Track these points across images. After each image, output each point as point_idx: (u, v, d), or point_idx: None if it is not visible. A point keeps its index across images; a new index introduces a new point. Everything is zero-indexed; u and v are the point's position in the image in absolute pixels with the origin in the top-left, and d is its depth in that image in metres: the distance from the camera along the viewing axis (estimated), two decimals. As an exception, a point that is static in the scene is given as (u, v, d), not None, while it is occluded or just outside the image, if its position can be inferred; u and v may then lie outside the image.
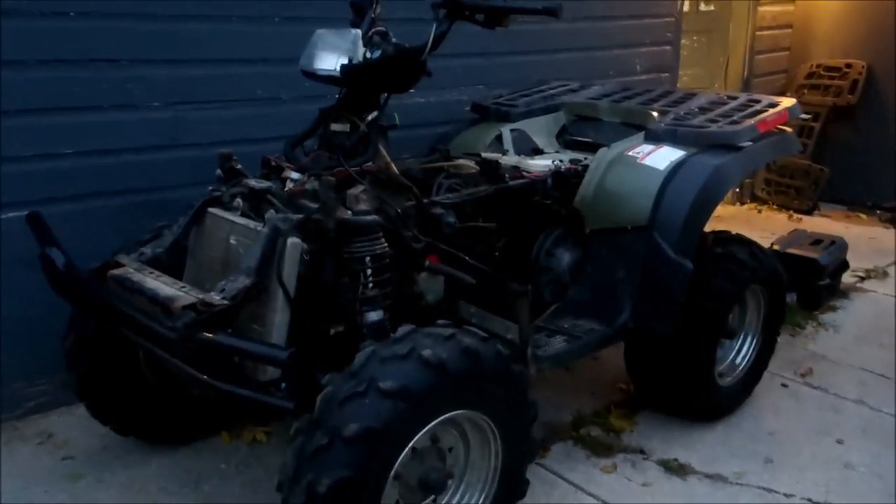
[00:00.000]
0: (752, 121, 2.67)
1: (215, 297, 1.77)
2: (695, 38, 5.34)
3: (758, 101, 2.90)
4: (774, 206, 5.68)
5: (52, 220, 2.01)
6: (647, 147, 2.59)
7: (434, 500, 1.93)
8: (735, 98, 2.99)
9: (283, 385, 1.86)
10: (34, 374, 2.69)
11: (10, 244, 2.55)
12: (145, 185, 2.84)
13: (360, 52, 2.09)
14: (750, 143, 2.60)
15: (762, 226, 5.07)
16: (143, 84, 2.77)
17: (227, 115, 2.99)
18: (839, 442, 2.68)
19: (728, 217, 5.21)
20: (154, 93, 2.81)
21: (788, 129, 2.88)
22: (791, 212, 5.54)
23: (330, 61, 2.11)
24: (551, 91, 3.38)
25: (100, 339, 2.23)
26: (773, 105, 2.85)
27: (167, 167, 2.87)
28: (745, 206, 5.75)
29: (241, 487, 2.36)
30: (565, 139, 3.11)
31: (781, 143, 2.82)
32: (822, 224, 5.17)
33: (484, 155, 2.72)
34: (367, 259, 1.99)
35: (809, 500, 2.36)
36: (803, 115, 3.00)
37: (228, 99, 2.99)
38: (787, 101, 2.90)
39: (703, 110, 2.85)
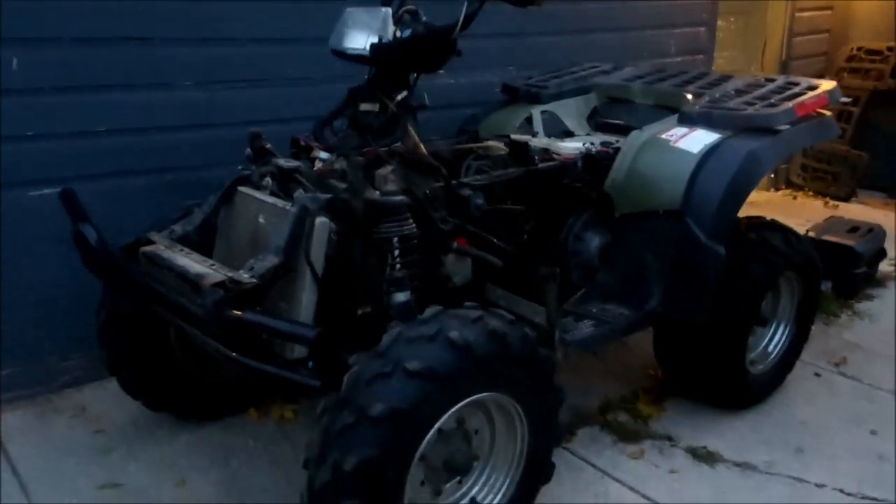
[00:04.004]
0: (789, 104, 2.60)
1: (244, 276, 1.78)
2: (731, 19, 5.21)
3: (796, 84, 2.83)
4: (810, 193, 5.55)
5: (84, 198, 2.03)
6: (681, 130, 2.54)
7: (459, 482, 1.93)
8: (773, 80, 2.91)
9: (310, 363, 1.87)
10: (69, 348, 2.74)
11: (42, 220, 2.58)
12: (176, 163, 2.85)
13: (391, 31, 2.08)
14: (787, 127, 2.54)
15: (798, 212, 4.96)
16: (175, 63, 2.79)
17: (258, 94, 2.99)
18: (873, 433, 2.63)
19: (763, 203, 5.10)
20: (186, 72, 2.82)
21: (827, 113, 2.80)
22: (827, 198, 5.41)
23: (360, 40, 2.09)
24: (583, 73, 3.33)
25: (131, 315, 2.26)
26: (812, 88, 2.77)
27: (198, 146, 2.88)
28: (781, 192, 5.63)
29: (269, 464, 2.39)
30: (596, 121, 3.07)
31: (820, 127, 2.75)
32: (859, 211, 5.04)
33: (513, 137, 2.69)
34: (395, 240, 1.98)
35: (842, 490, 2.32)
36: (843, 99, 2.92)
37: (259, 78, 2.99)
38: (827, 85, 2.82)
39: (739, 93, 2.79)
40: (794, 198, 5.52)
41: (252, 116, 2.91)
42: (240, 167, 2.26)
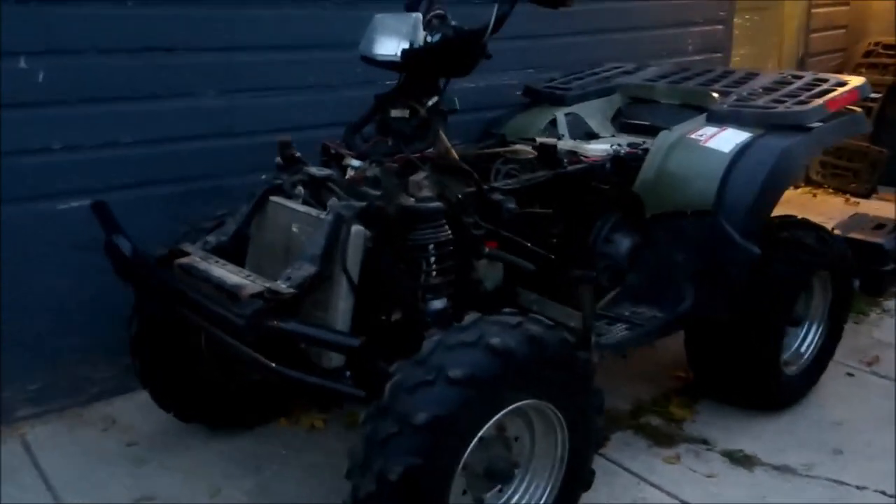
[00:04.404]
0: (820, 100, 2.58)
1: (282, 286, 1.76)
2: (747, 16, 5.18)
3: (825, 80, 2.80)
4: (830, 190, 5.50)
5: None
6: (711, 129, 2.53)
7: (500, 490, 1.91)
8: (800, 77, 2.89)
9: (348, 373, 1.86)
10: (97, 360, 2.73)
11: (72, 231, 2.58)
12: (199, 172, 2.84)
13: (421, 36, 2.06)
14: (819, 124, 2.51)
15: (818, 210, 4.91)
16: (198, 72, 2.78)
17: (280, 102, 2.98)
18: (911, 433, 2.60)
19: (783, 201, 5.00)
20: (209, 80, 2.81)
21: (857, 109, 2.78)
22: (847, 195, 5.36)
23: (390, 46, 2.08)
24: (605, 73, 3.31)
25: (163, 326, 2.25)
26: (842, 84, 2.75)
27: (221, 155, 2.88)
28: (800, 191, 5.58)
29: (302, 472, 2.37)
30: (621, 123, 3.05)
31: (850, 123, 2.73)
32: (880, 208, 4.97)
33: (540, 140, 2.67)
34: (431, 246, 1.97)
35: (883, 492, 2.28)
36: (873, 94, 2.89)
37: (281, 86, 2.98)
38: (856, 80, 2.80)
39: (767, 90, 2.76)
40: (814, 195, 5.47)
41: (274, 124, 2.89)
42: (263, 176, 2.25)
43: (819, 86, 2.73)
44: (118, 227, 1.98)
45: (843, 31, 5.76)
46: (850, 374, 2.98)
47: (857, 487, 2.31)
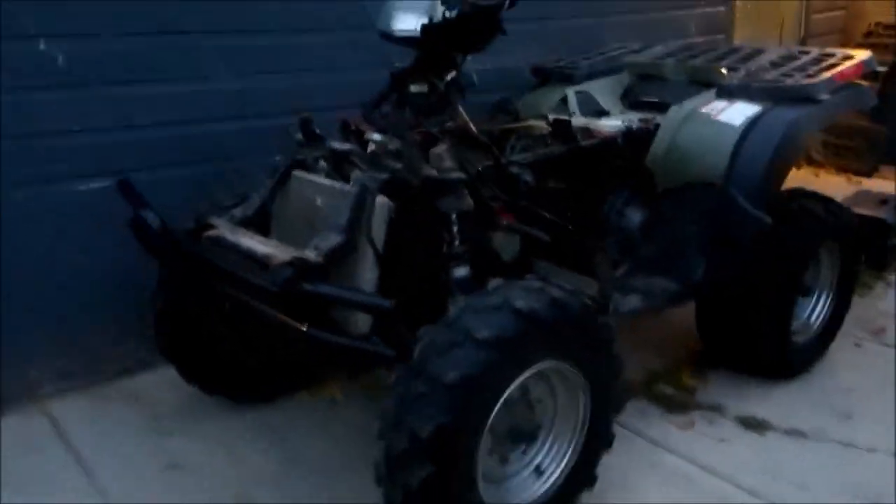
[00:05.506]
0: (828, 73, 2.62)
1: (310, 254, 1.81)
2: (748, -2, 5.22)
3: (832, 55, 2.85)
4: (832, 170, 5.54)
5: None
6: (721, 104, 2.57)
7: (524, 452, 1.97)
8: (807, 52, 2.93)
9: (373, 338, 1.91)
10: (119, 337, 2.78)
11: (94, 212, 2.62)
12: (214, 154, 2.87)
13: (440, 10, 2.10)
14: (827, 96, 2.56)
15: (821, 189, 4.92)
16: (213, 55, 2.81)
17: (292, 84, 3.01)
18: (920, 400, 2.65)
19: (786, 183, 5.09)
20: (223, 63, 2.84)
21: (864, 83, 2.82)
22: (849, 174, 5.40)
23: (409, 21, 2.12)
24: (612, 53, 3.34)
25: (189, 300, 2.29)
26: (848, 58, 2.79)
27: (235, 137, 2.91)
28: (802, 171, 5.62)
29: (325, 442, 2.42)
30: (630, 100, 3.08)
31: (857, 96, 2.77)
32: (882, 186, 5.01)
33: (553, 116, 2.71)
34: (454, 216, 2.01)
35: (894, 454, 2.35)
36: (878, 68, 2.93)
37: (293, 69, 3.01)
38: (862, 54, 2.84)
39: (774, 65, 2.80)
40: (816, 175, 5.50)
41: (287, 106, 2.86)
42: (278, 157, 2.29)
43: (826, 60, 2.78)
44: (146, 202, 2.02)
45: (842, 11, 5.79)
46: (858, 345, 3.04)
47: (868, 450, 2.37)
